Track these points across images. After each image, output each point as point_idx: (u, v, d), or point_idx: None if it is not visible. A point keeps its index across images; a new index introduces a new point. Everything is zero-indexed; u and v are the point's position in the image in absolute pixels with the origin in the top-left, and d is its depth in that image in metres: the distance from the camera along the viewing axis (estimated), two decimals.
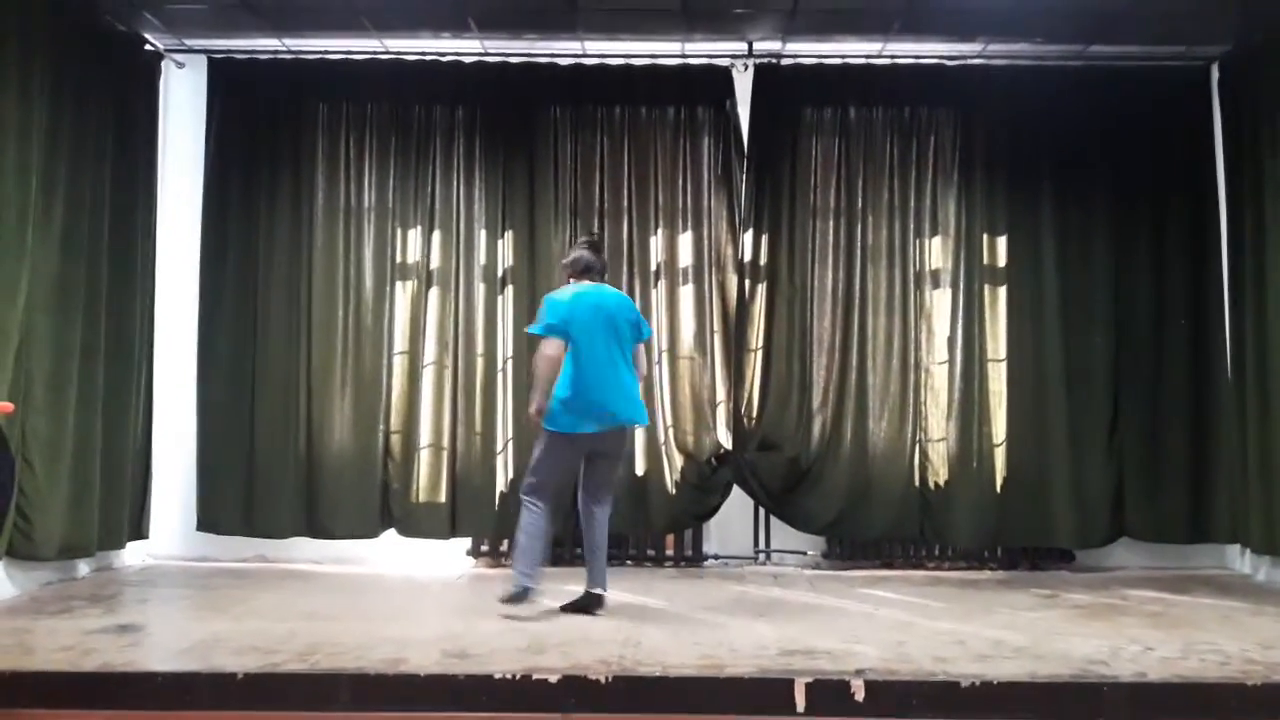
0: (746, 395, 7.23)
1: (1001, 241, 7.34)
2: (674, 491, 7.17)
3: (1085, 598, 6.13)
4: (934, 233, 7.35)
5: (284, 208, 7.32)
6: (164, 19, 6.87)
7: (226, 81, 7.39)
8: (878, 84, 7.37)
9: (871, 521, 7.17)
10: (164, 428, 7.27)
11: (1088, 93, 7.23)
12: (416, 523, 7.19)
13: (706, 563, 7.30)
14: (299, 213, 7.31)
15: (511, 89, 7.38)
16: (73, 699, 4.15)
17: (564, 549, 6.83)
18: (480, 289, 7.32)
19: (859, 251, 7.30)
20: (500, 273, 7.33)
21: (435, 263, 7.34)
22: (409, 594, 6.30)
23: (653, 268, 7.34)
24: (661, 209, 7.35)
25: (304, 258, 7.28)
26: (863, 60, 7.31)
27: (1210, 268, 7.19)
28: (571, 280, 5.62)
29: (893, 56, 7.29)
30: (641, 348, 5.61)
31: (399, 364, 7.31)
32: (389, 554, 7.22)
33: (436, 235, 7.35)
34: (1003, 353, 7.26)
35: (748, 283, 7.27)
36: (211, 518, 7.15)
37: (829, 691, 4.13)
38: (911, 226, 7.33)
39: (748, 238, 7.29)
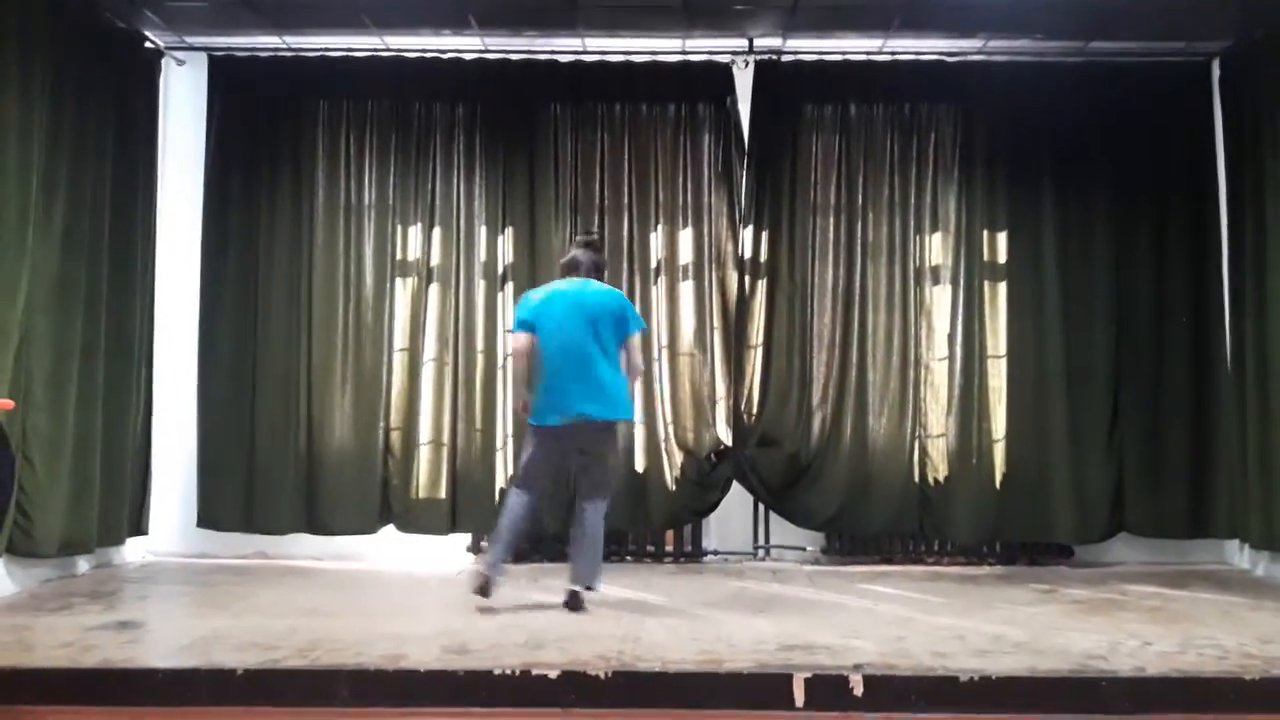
0: (746, 391, 7.24)
1: (1002, 238, 7.34)
2: (674, 487, 7.18)
3: (1084, 593, 6.13)
4: (934, 229, 7.35)
5: (284, 205, 7.33)
6: (164, 16, 6.87)
7: (227, 79, 7.39)
8: (878, 80, 7.36)
9: (871, 517, 7.18)
10: (164, 424, 7.27)
11: (1088, 89, 7.22)
12: (416, 519, 7.21)
13: (706, 558, 7.31)
14: (299, 210, 7.31)
15: (512, 86, 7.38)
16: (73, 696, 4.15)
17: (564, 546, 6.83)
18: (480, 286, 7.33)
19: (859, 248, 7.30)
20: (500, 269, 7.34)
21: (435, 259, 7.34)
22: (409, 590, 6.30)
23: (653, 264, 7.34)
24: (662, 205, 7.35)
25: (304, 255, 7.29)
26: (863, 57, 7.31)
27: (1210, 264, 7.20)
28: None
29: (893, 53, 7.29)
30: (638, 342, 5.58)
31: (399, 361, 7.32)
32: (389, 550, 7.23)
33: (437, 232, 7.35)
34: (1003, 349, 7.26)
35: (748, 279, 7.27)
36: (212, 514, 7.17)
37: (828, 686, 4.14)
38: (912, 223, 7.33)
39: (748, 234, 7.29)
